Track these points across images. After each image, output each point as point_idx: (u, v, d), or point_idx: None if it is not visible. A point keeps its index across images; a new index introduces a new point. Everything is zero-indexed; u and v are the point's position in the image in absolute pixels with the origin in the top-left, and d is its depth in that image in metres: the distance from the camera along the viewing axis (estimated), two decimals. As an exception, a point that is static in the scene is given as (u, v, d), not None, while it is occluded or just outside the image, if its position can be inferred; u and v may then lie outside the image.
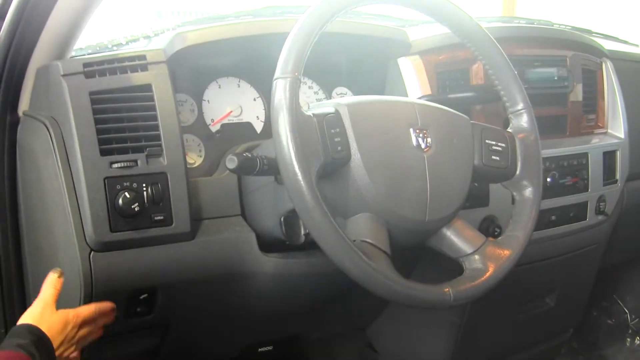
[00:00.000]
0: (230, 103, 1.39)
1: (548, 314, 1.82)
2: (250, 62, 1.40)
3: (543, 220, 1.59)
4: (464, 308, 1.61)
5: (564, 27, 1.97)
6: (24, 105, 1.26)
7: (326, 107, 1.07)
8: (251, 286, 1.26)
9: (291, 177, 0.96)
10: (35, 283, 1.30)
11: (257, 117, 1.42)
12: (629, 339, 2.45)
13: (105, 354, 1.27)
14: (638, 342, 2.44)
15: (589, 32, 2.08)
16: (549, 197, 1.59)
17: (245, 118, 1.40)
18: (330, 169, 1.04)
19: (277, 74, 1.00)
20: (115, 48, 1.42)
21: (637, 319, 2.44)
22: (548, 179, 1.60)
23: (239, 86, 1.41)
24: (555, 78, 1.69)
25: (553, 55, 1.70)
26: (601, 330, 2.46)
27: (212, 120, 1.37)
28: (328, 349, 1.87)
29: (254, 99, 1.42)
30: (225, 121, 1.38)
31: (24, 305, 1.33)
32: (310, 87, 1.49)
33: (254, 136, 1.40)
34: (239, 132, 1.39)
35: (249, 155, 1.05)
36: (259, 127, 1.41)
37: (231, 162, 1.03)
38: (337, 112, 1.06)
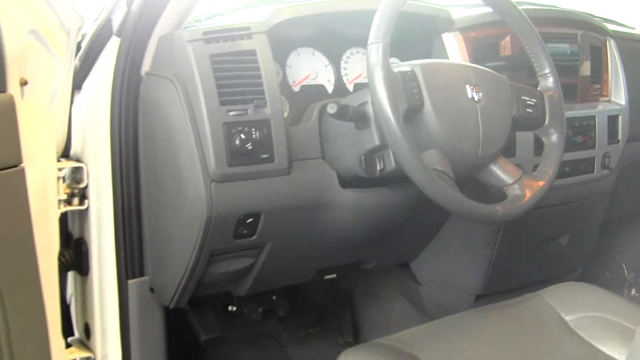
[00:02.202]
0: (307, 68, 1.68)
1: (561, 252, 2.13)
2: (322, 35, 1.69)
3: (559, 171, 1.89)
4: (494, 242, 1.91)
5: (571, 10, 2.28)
6: (145, 66, 1.55)
7: (405, 67, 1.38)
8: (331, 214, 1.56)
9: (386, 117, 1.26)
10: (150, 213, 1.59)
11: (329, 80, 1.71)
12: (625, 290, 2.76)
13: (211, 272, 1.56)
14: (634, 293, 2.75)
15: (592, 15, 2.38)
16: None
17: (319, 81, 1.69)
18: (409, 113, 1.33)
19: (371, 39, 1.30)
20: (195, 24, 1.70)
21: (632, 273, 2.75)
22: (562, 136, 1.90)
23: (313, 55, 1.70)
24: (568, 52, 1.99)
25: (566, 33, 2.00)
26: (600, 283, 2.77)
27: (294, 82, 1.66)
28: (378, 279, 2.17)
29: (325, 66, 1.71)
30: (304, 83, 1.67)
31: (141, 233, 1.62)
32: (369, 57, 1.78)
33: (326, 96, 1.69)
34: (314, 92, 1.68)
35: (344, 104, 1.35)
36: (330, 88, 1.71)
37: (332, 108, 1.33)
38: (413, 71, 1.36)
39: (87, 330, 1.79)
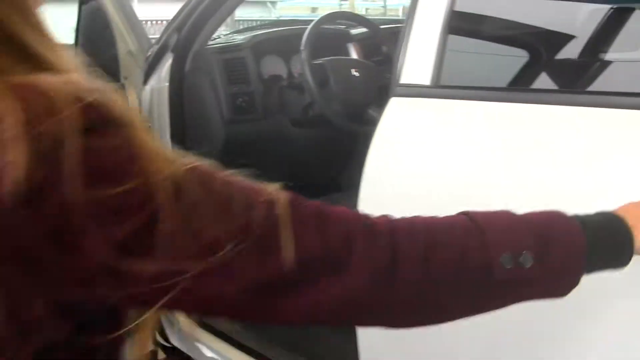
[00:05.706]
0: (272, 66, 3.07)
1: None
2: (280, 45, 3.07)
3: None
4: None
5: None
6: (187, 67, 2.91)
7: (320, 61, 2.76)
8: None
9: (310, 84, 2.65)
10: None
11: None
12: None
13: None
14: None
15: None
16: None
17: (278, 72, 3.08)
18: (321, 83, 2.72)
19: (302, 47, 2.68)
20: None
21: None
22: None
23: (275, 58, 3.08)
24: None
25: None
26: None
27: (266, 73, 3.04)
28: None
29: (277, 65, 3.10)
30: (271, 73, 3.06)
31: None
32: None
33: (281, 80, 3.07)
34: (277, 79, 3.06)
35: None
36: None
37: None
38: (323, 63, 2.75)
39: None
